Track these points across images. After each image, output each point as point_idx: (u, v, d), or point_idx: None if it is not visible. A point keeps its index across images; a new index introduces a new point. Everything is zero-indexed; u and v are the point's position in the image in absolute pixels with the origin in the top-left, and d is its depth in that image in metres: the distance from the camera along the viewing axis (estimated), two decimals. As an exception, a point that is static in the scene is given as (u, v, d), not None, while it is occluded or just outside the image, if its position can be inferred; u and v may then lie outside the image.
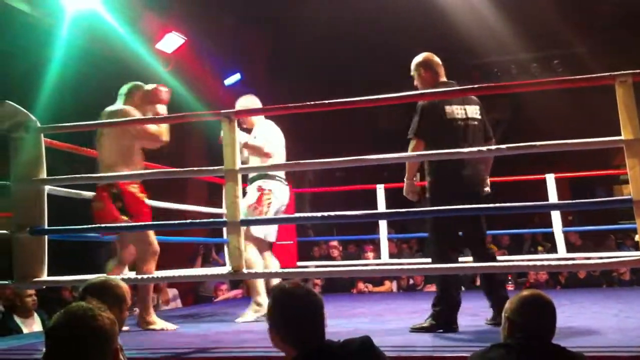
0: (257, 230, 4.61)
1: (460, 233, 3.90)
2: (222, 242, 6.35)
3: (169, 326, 4.21)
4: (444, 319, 3.65)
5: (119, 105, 4.29)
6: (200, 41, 8.14)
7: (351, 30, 8.34)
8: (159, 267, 4.33)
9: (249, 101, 4.69)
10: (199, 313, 5.33)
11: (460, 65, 9.11)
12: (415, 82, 4.07)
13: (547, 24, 8.45)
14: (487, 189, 3.91)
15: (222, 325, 4.36)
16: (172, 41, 7.86)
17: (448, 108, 3.81)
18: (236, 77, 9.07)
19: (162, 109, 4.31)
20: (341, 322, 4.16)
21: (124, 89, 4.37)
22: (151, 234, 4.16)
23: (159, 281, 5.36)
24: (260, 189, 4.58)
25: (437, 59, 4.03)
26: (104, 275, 3.13)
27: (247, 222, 3.62)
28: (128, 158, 4.16)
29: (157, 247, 4.17)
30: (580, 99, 8.34)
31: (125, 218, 4.01)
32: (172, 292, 7.02)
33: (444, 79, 4.01)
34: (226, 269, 3.49)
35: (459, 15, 8.17)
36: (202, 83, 8.39)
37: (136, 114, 4.15)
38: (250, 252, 4.39)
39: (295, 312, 2.08)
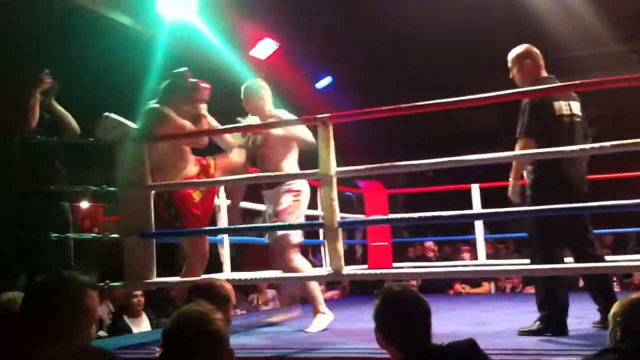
0: (296, 237, 4.38)
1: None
2: (318, 243, 6.44)
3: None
4: (554, 322, 3.55)
5: (151, 104, 4.05)
6: (293, 46, 8.25)
7: (441, 30, 8.23)
8: (258, 268, 4.43)
9: None
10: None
11: (547, 60, 8.86)
12: (514, 76, 3.94)
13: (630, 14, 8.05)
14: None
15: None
16: (266, 47, 8.01)
17: (557, 104, 3.70)
18: (327, 80, 9.13)
19: (203, 109, 4.14)
20: (440, 324, 4.11)
21: (164, 84, 4.11)
22: (199, 239, 4.00)
23: (260, 282, 5.49)
24: (291, 190, 4.34)
25: (537, 51, 3.90)
26: (209, 276, 3.24)
27: (344, 224, 3.64)
28: (177, 159, 3.95)
29: (201, 253, 3.98)
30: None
31: (177, 224, 3.88)
32: (272, 292, 7.17)
33: (545, 73, 3.88)
34: (326, 270, 3.53)
35: (545, 5, 7.92)
36: (295, 88, 8.52)
37: (169, 114, 3.94)
38: (298, 260, 4.25)
39: (403, 316, 2.09)
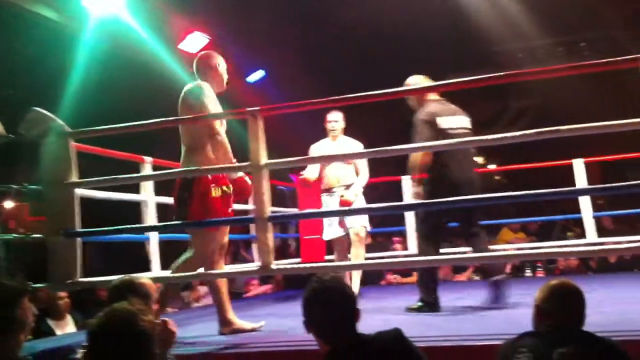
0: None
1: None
2: (250, 238, 6.42)
3: (256, 325, 3.88)
4: (429, 301, 4.20)
5: (194, 82, 3.94)
6: (225, 40, 8.17)
7: (375, 25, 8.31)
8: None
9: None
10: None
11: (482, 52, 9.06)
12: (409, 99, 4.57)
13: (571, 7, 8.33)
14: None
15: (253, 321, 4.40)
16: (196, 41, 7.91)
17: (442, 120, 4.31)
18: (260, 74, 9.09)
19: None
20: (371, 314, 4.18)
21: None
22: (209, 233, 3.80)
23: (189, 279, 5.41)
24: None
25: (427, 80, 4.42)
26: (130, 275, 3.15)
27: (274, 218, 3.64)
28: (206, 141, 3.80)
29: (206, 250, 3.81)
30: (610, 81, 8.21)
31: (183, 210, 3.72)
32: (204, 289, 7.08)
33: (435, 96, 4.49)
34: (255, 265, 3.51)
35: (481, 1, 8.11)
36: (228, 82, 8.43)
37: (205, 90, 3.84)
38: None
39: (328, 307, 2.10)
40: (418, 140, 4.23)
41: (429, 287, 4.24)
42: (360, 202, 5.29)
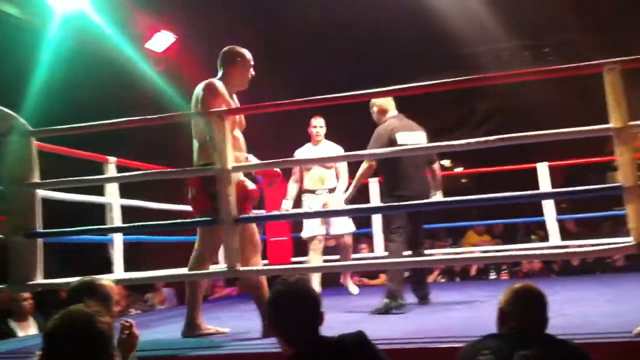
0: None
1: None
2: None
3: (221, 329, 3.82)
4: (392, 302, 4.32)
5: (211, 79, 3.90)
6: (192, 40, 8.10)
7: (342, 26, 8.30)
8: (156, 267, 4.31)
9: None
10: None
11: (449, 56, 9.12)
12: (373, 116, 4.84)
13: (537, 11, 8.44)
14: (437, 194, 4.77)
15: (217, 323, 4.36)
16: (162, 40, 7.83)
17: (398, 135, 4.53)
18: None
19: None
20: (335, 316, 4.17)
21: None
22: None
23: (154, 281, 5.38)
24: None
25: (390, 101, 4.81)
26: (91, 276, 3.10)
27: (243, 220, 3.61)
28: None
29: (211, 246, 3.79)
30: (576, 85, 8.32)
31: (215, 204, 3.47)
32: (168, 291, 7.03)
33: (394, 112, 4.76)
34: (221, 267, 3.48)
35: (446, 4, 8.15)
36: (195, 82, 8.35)
37: (219, 87, 3.80)
38: None
39: (291, 309, 2.09)
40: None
41: (397, 287, 4.35)
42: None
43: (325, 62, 8.94)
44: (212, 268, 4.17)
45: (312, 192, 5.48)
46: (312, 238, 5.40)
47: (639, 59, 3.12)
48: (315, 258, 5.38)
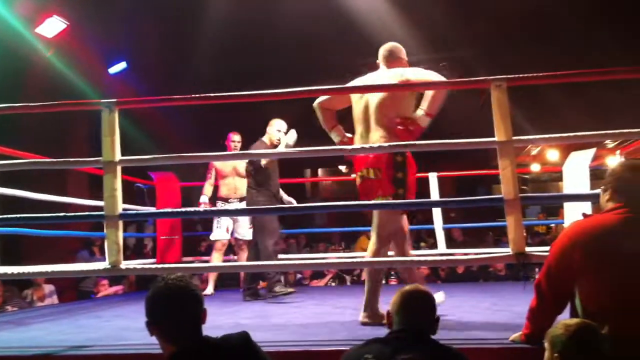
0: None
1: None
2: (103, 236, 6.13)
3: None
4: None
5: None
6: (85, 27, 7.79)
7: (248, 21, 8.21)
8: (37, 262, 4.11)
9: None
10: (75, 309, 5.10)
11: (352, 64, 9.23)
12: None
13: (435, 27, 8.67)
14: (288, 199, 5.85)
15: (99, 322, 4.21)
16: (53, 26, 7.49)
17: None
18: (122, 65, 8.77)
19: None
20: (223, 317, 4.12)
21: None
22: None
23: (33, 277, 5.10)
24: None
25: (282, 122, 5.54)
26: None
27: (126, 216, 3.49)
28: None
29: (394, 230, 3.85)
30: (472, 100, 8.62)
31: (400, 191, 3.61)
32: (49, 288, 6.69)
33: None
34: (104, 264, 3.34)
35: (358, 12, 8.23)
36: (87, 70, 8.04)
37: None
38: None
39: (170, 308, 2.03)
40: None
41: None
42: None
43: (225, 56, 8.81)
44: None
45: (226, 200, 6.18)
46: (217, 241, 6.11)
47: (524, 78, 3.29)
48: (217, 257, 6.09)
